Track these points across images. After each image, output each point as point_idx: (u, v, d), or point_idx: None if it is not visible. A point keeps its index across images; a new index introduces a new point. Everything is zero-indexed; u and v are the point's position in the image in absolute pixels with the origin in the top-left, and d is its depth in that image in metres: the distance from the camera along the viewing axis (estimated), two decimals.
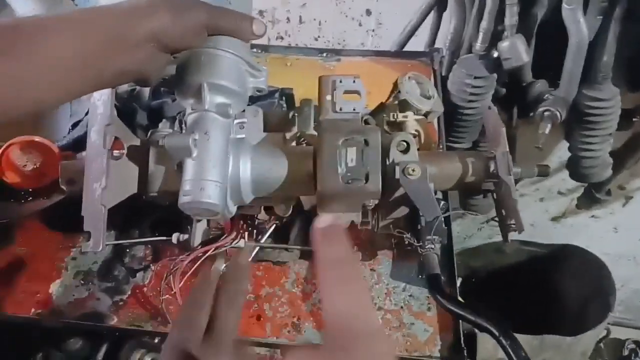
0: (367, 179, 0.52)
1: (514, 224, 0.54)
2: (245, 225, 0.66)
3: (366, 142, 0.53)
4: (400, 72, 0.88)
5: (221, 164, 0.52)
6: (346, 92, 0.56)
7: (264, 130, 0.59)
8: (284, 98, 0.71)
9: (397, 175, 0.52)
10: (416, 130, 0.60)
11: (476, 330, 1.10)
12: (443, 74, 0.85)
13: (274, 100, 0.75)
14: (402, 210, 0.57)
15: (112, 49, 0.42)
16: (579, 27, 0.72)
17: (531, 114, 0.89)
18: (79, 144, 0.74)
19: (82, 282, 0.64)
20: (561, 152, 1.14)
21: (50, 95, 0.41)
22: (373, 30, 0.99)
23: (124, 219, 0.68)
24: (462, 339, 0.58)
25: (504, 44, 0.76)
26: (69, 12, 0.42)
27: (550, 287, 1.26)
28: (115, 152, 0.56)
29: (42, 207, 0.69)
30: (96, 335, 0.80)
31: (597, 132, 0.84)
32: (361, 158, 0.52)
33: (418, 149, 0.56)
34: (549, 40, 0.81)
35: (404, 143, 0.55)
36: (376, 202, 0.56)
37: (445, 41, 0.82)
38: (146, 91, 0.75)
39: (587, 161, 0.87)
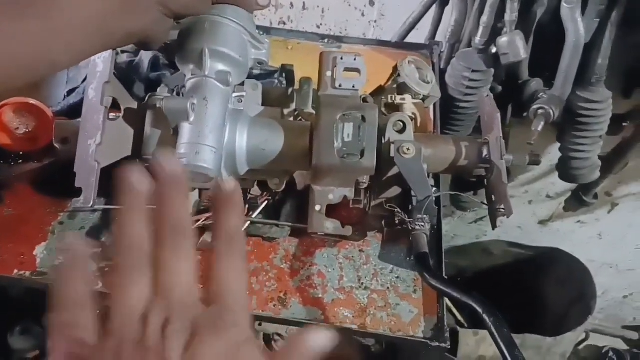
0: (362, 155, 0.53)
1: (503, 209, 0.54)
2: None
3: (363, 119, 0.53)
4: None
5: (218, 131, 0.52)
6: (347, 69, 0.57)
7: (262, 105, 0.60)
8: (284, 74, 0.71)
9: (392, 154, 0.53)
10: (413, 114, 0.60)
11: (458, 327, 1.11)
12: (442, 67, 0.86)
13: (273, 80, 0.75)
14: (395, 191, 0.57)
15: (125, 10, 0.42)
16: (577, 26, 0.73)
17: (525, 114, 0.91)
18: (74, 110, 0.73)
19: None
20: (551, 155, 1.16)
21: (65, 56, 0.41)
22: (375, 22, 0.99)
23: (115, 187, 0.68)
24: (445, 320, 0.58)
25: (502, 39, 0.77)
26: None
27: (534, 289, 1.28)
28: (111, 115, 0.56)
29: (33, 171, 0.68)
30: None
31: (588, 134, 0.85)
32: (358, 134, 0.53)
33: (414, 132, 0.56)
34: (547, 41, 0.82)
35: (401, 123, 0.55)
36: (369, 180, 0.57)
37: (446, 34, 0.83)
38: (145, 63, 0.75)
39: (576, 162, 0.89)
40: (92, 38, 0.42)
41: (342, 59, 0.57)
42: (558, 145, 0.94)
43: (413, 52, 0.89)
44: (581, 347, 1.34)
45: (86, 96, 0.52)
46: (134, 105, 0.56)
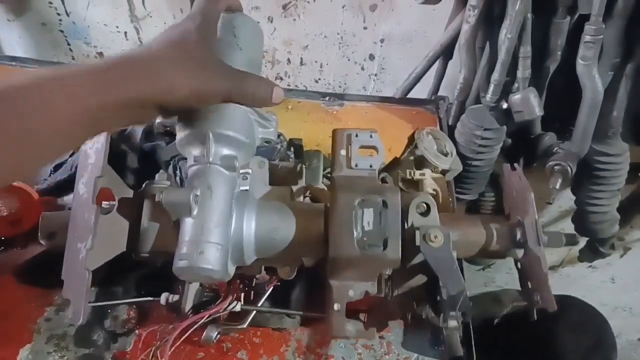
0: (385, 245, 0.47)
1: (542, 300, 0.49)
2: (242, 285, 0.60)
3: (385, 204, 0.48)
4: (405, 119, 0.85)
5: (224, 224, 0.47)
6: (362, 147, 0.52)
7: (270, 184, 0.55)
8: (292, 149, 0.66)
9: (418, 242, 0.48)
10: (434, 189, 0.56)
11: None
12: (450, 124, 0.83)
13: (276, 146, 0.70)
14: (420, 279, 0.52)
15: (119, 113, 0.37)
16: (594, 83, 0.70)
17: (534, 164, 0.87)
18: (61, 187, 0.67)
19: (56, 348, 0.57)
20: (561, 201, 1.12)
21: (49, 152, 0.36)
22: (375, 75, 0.96)
23: (106, 275, 0.61)
24: None
25: (515, 97, 0.73)
26: (71, 68, 0.35)
27: (547, 339, 1.22)
28: (105, 204, 0.50)
29: (16, 259, 0.62)
30: None
31: (606, 187, 0.82)
32: (379, 221, 0.48)
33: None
34: (557, 92, 0.79)
35: (424, 205, 0.50)
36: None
37: (455, 91, 0.80)
38: (138, 133, 0.70)
39: (595, 216, 0.85)
40: (77, 134, 0.36)
41: (357, 136, 0.52)
42: (566, 191, 0.90)
43: (418, 107, 0.86)
44: None
45: (76, 190, 0.46)
46: (129, 194, 0.50)
